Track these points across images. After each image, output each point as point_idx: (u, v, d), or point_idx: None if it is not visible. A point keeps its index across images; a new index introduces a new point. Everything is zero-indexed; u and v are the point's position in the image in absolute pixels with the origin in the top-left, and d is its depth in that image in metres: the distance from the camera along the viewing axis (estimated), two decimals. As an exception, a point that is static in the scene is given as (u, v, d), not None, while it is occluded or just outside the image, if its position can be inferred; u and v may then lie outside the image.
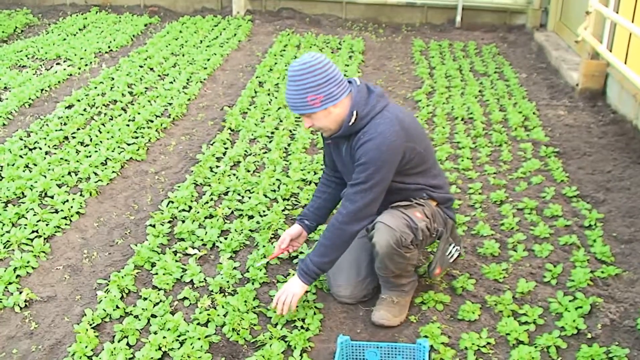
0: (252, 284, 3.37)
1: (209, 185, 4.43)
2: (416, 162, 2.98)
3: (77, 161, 4.70)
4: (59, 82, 6.59)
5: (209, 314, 3.09)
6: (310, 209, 3.33)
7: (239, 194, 4.32)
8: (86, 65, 7.24)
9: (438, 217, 3.10)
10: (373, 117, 2.87)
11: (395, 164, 2.87)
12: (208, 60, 7.47)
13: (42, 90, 6.31)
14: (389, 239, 2.88)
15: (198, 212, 4.05)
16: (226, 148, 5.09)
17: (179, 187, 4.42)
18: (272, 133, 5.33)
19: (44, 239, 3.78)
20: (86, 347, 2.88)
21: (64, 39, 8.25)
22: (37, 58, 7.43)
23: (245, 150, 5.00)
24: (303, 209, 3.39)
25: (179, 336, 2.97)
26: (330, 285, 3.30)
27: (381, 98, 2.93)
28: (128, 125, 5.42)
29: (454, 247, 3.18)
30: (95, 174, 4.56)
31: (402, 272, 3.05)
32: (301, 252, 3.61)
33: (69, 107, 5.84)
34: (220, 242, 3.76)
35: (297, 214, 4.04)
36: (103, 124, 5.44)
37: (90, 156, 4.81)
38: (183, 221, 3.97)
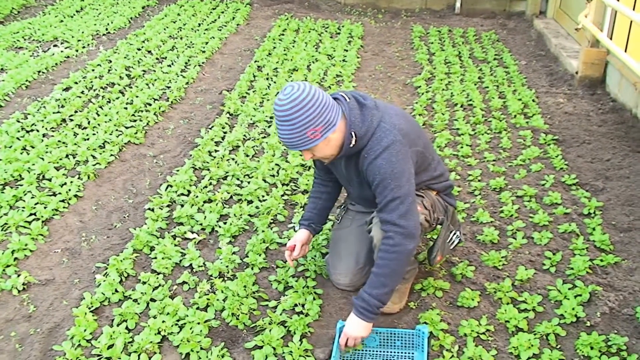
0: (252, 269, 3.37)
1: (208, 170, 4.41)
2: (420, 163, 2.93)
3: (75, 144, 4.67)
4: (56, 64, 6.54)
5: (208, 299, 3.09)
6: (313, 211, 3.22)
7: (238, 179, 4.31)
8: (83, 47, 7.18)
9: (438, 206, 3.07)
10: (373, 133, 2.76)
11: (412, 171, 2.77)
12: (206, 43, 7.42)
13: (39, 72, 6.26)
14: None
15: (197, 197, 4.03)
16: (225, 132, 5.07)
17: (177, 171, 4.40)
18: (271, 118, 5.29)
19: (42, 221, 3.76)
20: (85, 330, 2.88)
21: (61, 21, 8.17)
22: (34, 39, 7.36)
23: (244, 135, 4.98)
24: (304, 213, 3.26)
25: (178, 320, 2.96)
26: (330, 272, 3.29)
27: (375, 110, 2.81)
28: (126, 108, 5.39)
29: (454, 233, 3.17)
30: (94, 157, 4.54)
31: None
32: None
33: (67, 89, 5.80)
34: (219, 226, 3.75)
35: (296, 199, 4.03)
36: (101, 107, 5.41)
37: (88, 139, 4.78)
38: (182, 205, 3.96)
